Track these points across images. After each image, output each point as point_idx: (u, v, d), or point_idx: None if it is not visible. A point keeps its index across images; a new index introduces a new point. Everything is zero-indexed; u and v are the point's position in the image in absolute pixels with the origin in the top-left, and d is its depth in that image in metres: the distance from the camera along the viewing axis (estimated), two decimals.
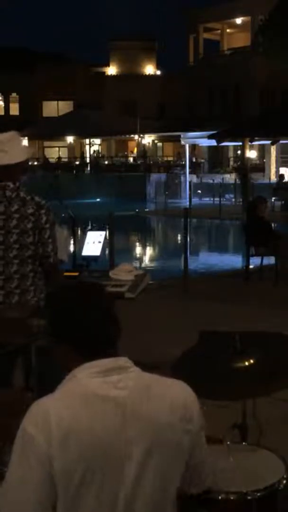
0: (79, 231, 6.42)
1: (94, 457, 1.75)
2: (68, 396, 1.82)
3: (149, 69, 56.12)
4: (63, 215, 5.19)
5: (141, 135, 40.25)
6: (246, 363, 2.57)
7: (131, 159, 46.04)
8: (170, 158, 48.45)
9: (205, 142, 30.23)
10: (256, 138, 24.86)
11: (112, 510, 1.79)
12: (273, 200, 23.95)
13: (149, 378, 1.90)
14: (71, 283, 2.16)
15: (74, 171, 41.05)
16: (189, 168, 34.14)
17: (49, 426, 1.73)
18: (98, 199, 31.09)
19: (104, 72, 56.24)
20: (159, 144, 50.72)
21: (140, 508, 1.81)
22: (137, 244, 20.10)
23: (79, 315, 1.89)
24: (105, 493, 1.77)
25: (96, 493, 1.76)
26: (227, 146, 39.51)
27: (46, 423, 1.73)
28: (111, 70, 56.05)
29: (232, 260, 13.76)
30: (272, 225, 11.77)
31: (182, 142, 34.83)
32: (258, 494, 2.21)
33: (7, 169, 3.67)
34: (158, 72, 56.58)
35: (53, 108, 53.58)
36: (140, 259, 16.08)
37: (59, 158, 46.74)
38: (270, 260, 10.65)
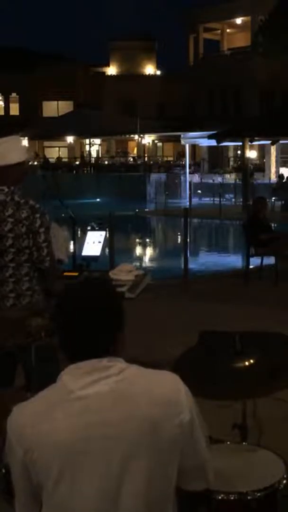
0: (79, 231, 6.41)
1: (70, 455, 1.77)
2: (47, 397, 1.86)
3: (149, 69, 56.14)
4: (63, 215, 5.17)
5: (141, 135, 40.24)
6: (246, 363, 2.56)
7: (131, 159, 46.05)
8: (170, 158, 48.47)
9: (205, 142, 30.23)
10: (256, 138, 24.90)
11: (96, 508, 1.78)
12: (273, 200, 23.94)
13: (135, 374, 1.87)
14: (78, 281, 2.12)
15: (74, 171, 41.04)
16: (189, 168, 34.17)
17: (22, 431, 1.81)
18: (98, 199, 31.08)
19: (104, 72, 56.27)
20: (159, 144, 50.74)
21: (132, 507, 1.79)
22: (137, 244, 20.08)
23: (66, 318, 1.89)
24: (86, 490, 1.78)
25: (77, 489, 1.78)
26: (227, 146, 39.50)
27: (19, 428, 1.82)
28: (111, 70, 56.08)
29: (232, 260, 13.76)
30: (272, 225, 11.77)
31: (182, 142, 34.83)
32: (258, 494, 2.21)
33: (1, 173, 3.64)
34: (158, 72, 56.60)
35: (53, 108, 53.58)
36: (140, 259, 16.07)
37: (59, 158, 46.74)
38: (270, 260, 10.65)
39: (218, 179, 33.58)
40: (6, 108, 55.31)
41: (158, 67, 57.07)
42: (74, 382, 1.83)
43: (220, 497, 2.18)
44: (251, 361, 2.57)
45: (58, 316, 1.93)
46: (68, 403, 1.81)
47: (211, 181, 33.33)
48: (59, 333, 1.91)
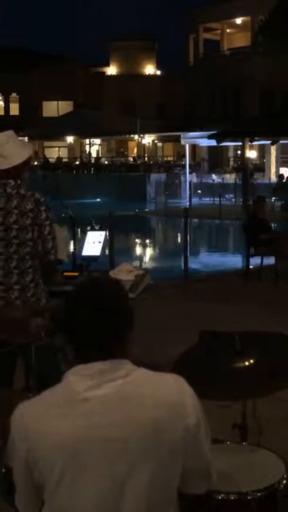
0: (79, 231, 6.41)
1: (73, 455, 1.77)
2: (52, 397, 1.85)
3: (149, 69, 56.14)
4: (63, 215, 5.18)
5: (141, 135, 40.24)
6: (246, 363, 2.56)
7: (131, 159, 46.04)
8: (170, 158, 48.46)
9: (205, 142, 30.21)
10: (256, 138, 24.90)
11: (97, 508, 1.78)
12: (273, 200, 23.93)
13: (142, 376, 1.87)
14: (84, 281, 2.11)
15: (74, 171, 41.04)
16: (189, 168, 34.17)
17: (26, 430, 1.81)
18: (98, 199, 31.07)
19: (104, 72, 56.28)
20: (159, 144, 50.72)
21: (134, 508, 1.79)
22: (137, 244, 20.09)
23: (73, 318, 1.89)
24: (87, 490, 1.77)
25: (78, 490, 1.78)
26: (227, 146, 39.49)
27: (23, 426, 1.82)
28: (111, 70, 56.08)
29: (232, 260, 13.76)
30: (272, 225, 11.77)
31: (182, 142, 34.81)
32: (258, 494, 2.21)
33: (8, 171, 3.69)
34: (158, 72, 56.60)
35: (53, 108, 53.59)
36: (140, 259, 16.07)
37: (59, 158, 46.72)
38: (270, 260, 10.65)
39: (216, 179, 33.55)
40: (6, 108, 55.32)
41: (158, 67, 57.09)
42: (80, 383, 1.81)
43: (220, 497, 2.18)
44: (251, 361, 2.57)
45: (65, 316, 1.91)
46: (73, 404, 1.80)
47: (211, 181, 33.32)
48: (66, 334, 1.89)
